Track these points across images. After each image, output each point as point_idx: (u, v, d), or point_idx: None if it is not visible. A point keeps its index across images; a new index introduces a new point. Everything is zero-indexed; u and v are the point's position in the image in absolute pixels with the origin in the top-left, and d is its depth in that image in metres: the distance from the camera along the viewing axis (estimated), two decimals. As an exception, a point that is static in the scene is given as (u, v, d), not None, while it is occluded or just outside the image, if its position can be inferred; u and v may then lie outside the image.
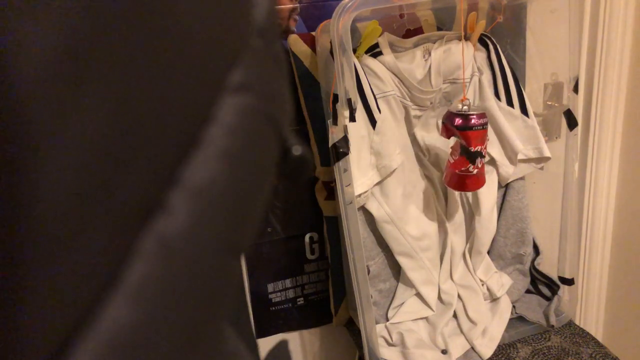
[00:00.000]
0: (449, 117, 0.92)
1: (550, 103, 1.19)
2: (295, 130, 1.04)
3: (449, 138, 0.94)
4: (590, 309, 1.37)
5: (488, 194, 1.11)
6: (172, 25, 0.18)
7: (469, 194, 1.09)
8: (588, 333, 1.13)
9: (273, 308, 1.16)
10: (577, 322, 1.20)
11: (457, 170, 0.91)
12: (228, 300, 0.20)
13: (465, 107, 0.91)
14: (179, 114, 0.18)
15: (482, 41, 1.04)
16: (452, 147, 0.94)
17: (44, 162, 0.14)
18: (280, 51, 0.25)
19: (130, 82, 0.16)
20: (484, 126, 0.90)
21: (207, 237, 0.18)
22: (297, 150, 0.26)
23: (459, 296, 1.14)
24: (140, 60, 0.17)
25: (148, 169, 0.17)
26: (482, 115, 0.89)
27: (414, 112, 1.00)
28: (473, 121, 0.89)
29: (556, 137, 1.24)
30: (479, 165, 0.91)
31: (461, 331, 1.09)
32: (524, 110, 1.06)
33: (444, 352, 1.07)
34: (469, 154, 0.89)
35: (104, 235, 0.16)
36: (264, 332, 1.16)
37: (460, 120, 0.89)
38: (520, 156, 1.08)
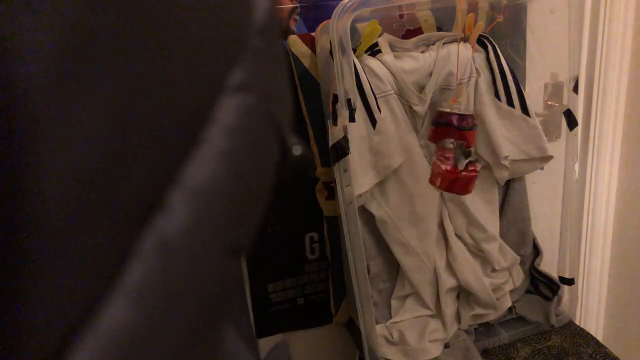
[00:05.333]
0: (443, 116, 0.91)
1: (550, 103, 1.19)
2: (295, 131, 1.04)
3: (437, 141, 0.91)
4: (590, 309, 1.37)
5: (487, 196, 1.12)
6: (172, 25, 0.18)
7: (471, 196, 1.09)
8: (588, 333, 1.13)
9: (273, 308, 1.16)
10: (577, 322, 1.20)
11: (453, 173, 0.89)
12: (228, 300, 0.20)
13: (457, 108, 0.90)
14: (179, 114, 0.18)
15: (481, 42, 1.04)
16: (441, 149, 0.91)
17: (45, 160, 0.14)
18: (281, 51, 0.25)
19: (131, 81, 0.16)
20: (475, 127, 0.89)
21: (207, 237, 0.18)
22: (297, 150, 0.26)
23: (458, 295, 1.14)
24: (141, 60, 0.17)
25: (148, 168, 0.17)
26: (473, 116, 0.89)
27: (416, 107, 0.99)
28: (470, 120, 0.88)
29: (556, 137, 1.23)
30: (472, 167, 0.89)
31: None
32: (524, 110, 1.05)
33: (447, 346, 1.07)
34: (466, 154, 0.89)
35: (104, 235, 0.16)
36: (264, 332, 1.16)
37: (460, 120, 0.88)
38: (522, 156, 1.07)
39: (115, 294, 0.15)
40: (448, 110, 0.90)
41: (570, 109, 1.10)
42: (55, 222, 0.14)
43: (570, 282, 1.18)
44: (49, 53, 0.13)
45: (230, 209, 0.19)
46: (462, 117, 0.89)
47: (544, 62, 1.18)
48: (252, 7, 0.23)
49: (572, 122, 1.11)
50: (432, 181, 0.91)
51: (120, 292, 0.15)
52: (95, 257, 0.15)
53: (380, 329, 1.07)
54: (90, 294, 0.15)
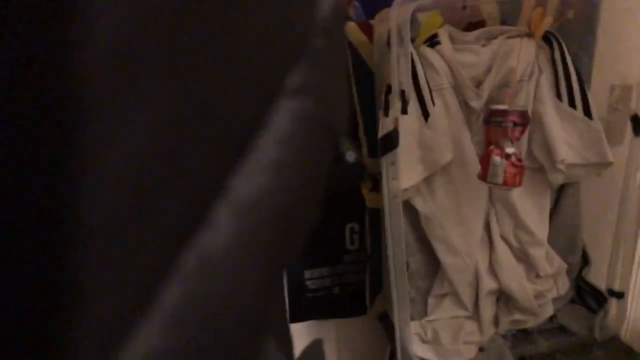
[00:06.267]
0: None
1: (615, 106, 1.13)
2: (350, 136, 1.02)
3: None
4: (638, 325, 1.31)
5: (538, 199, 1.08)
6: (232, 23, 0.17)
7: (524, 200, 1.06)
8: (634, 350, 1.09)
9: (308, 294, 1.16)
10: (622, 338, 1.15)
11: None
12: (270, 319, 0.19)
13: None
14: (233, 121, 0.17)
15: (547, 39, 0.99)
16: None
17: (94, 160, 0.13)
18: (343, 52, 0.23)
19: (185, 81, 0.15)
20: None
21: (251, 254, 0.17)
22: (350, 156, 0.24)
23: (498, 298, 1.11)
24: (197, 59, 0.15)
25: (195, 180, 0.16)
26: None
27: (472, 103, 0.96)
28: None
29: (617, 143, 1.17)
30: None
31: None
32: (587, 112, 1.00)
33: (481, 349, 1.05)
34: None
35: (147, 249, 0.15)
36: (296, 317, 1.16)
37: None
38: (579, 160, 1.03)
39: (152, 318, 0.14)
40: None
41: (638, 114, 1.04)
42: (97, 237, 0.13)
43: (619, 295, 1.13)
44: (113, 53, 0.13)
45: (277, 225, 0.18)
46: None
47: (613, 63, 1.11)
48: (316, 4, 0.21)
49: (638, 128, 1.04)
50: (514, 183, 0.92)
51: (157, 315, 0.15)
52: (136, 272, 0.14)
53: (414, 326, 1.06)
54: (128, 313, 0.14)
